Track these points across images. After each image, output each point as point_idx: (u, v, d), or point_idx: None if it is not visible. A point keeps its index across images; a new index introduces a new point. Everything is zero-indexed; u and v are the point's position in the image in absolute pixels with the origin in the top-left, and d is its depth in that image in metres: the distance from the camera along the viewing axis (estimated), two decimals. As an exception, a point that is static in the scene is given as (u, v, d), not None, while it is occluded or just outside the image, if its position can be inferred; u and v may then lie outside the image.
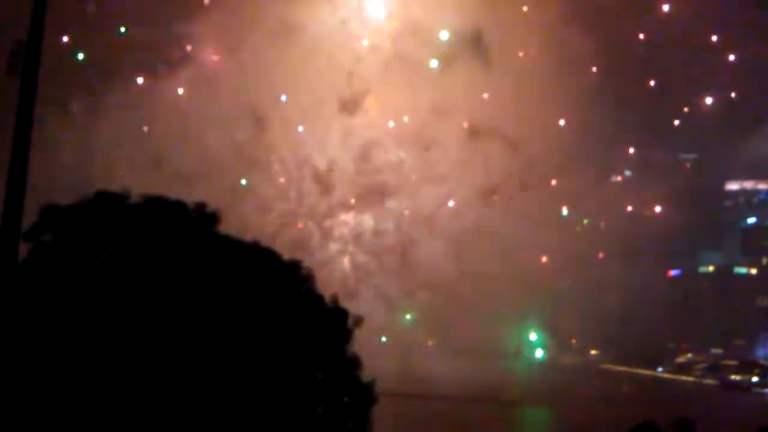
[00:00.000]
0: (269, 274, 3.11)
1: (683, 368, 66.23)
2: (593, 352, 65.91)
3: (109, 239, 3.32)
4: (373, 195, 55.49)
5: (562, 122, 57.46)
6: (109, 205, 3.45)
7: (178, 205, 3.37)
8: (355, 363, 3.22)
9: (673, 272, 67.40)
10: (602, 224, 60.35)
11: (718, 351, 66.52)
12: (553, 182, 58.13)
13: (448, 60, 55.09)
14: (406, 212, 56.03)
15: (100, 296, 3.22)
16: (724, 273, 68.92)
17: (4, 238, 12.95)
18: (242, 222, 44.76)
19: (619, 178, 63.09)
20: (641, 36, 59.54)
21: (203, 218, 3.43)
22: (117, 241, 3.38)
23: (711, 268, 69.16)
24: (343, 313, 3.29)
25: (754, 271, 69.11)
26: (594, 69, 57.73)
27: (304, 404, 2.90)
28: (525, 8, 55.76)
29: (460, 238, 55.24)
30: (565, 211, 59.15)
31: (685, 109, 62.27)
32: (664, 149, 63.61)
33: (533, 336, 58.20)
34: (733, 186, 66.55)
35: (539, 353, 58.38)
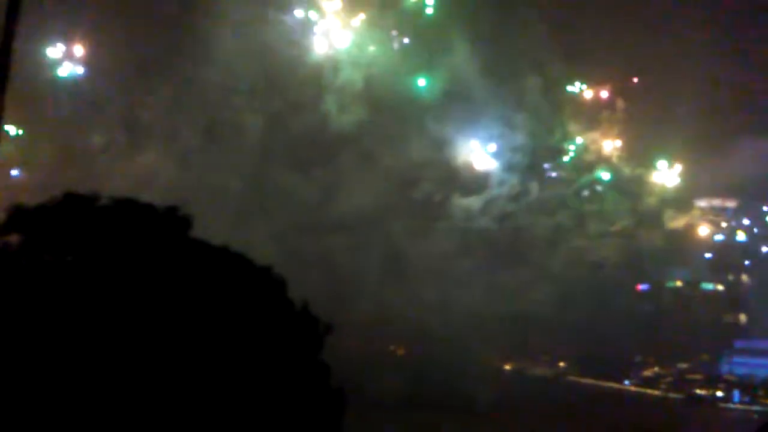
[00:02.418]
0: (239, 278, 3.09)
1: (649, 382, 66.92)
2: (561, 364, 66.36)
3: (76, 241, 3.27)
4: None
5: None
6: (78, 206, 3.39)
7: (148, 208, 3.33)
8: (325, 370, 3.20)
9: (641, 287, 68.17)
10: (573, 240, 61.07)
11: (684, 365, 67.34)
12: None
13: None
14: None
15: (65, 299, 3.17)
16: (691, 288, 69.86)
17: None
18: None
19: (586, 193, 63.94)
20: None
21: (174, 221, 3.39)
22: (84, 243, 3.34)
23: (678, 284, 70.07)
24: (313, 320, 3.27)
25: (720, 287, 70.14)
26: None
27: (272, 411, 2.87)
28: None
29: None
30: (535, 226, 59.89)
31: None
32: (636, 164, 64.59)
33: None
34: (701, 203, 67.62)
35: None
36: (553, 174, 61.83)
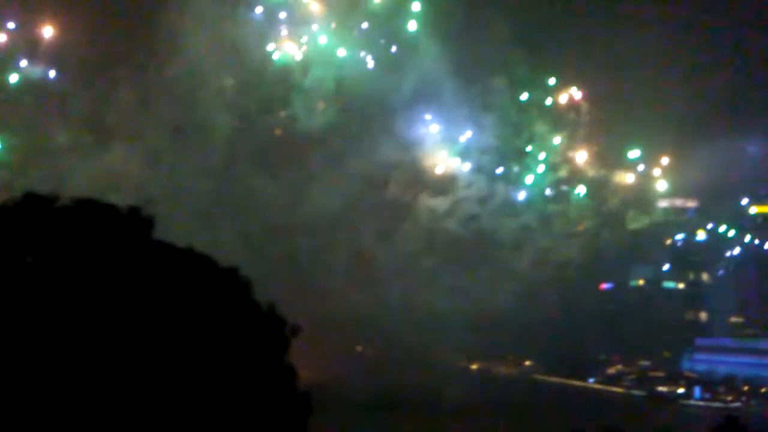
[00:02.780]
0: (203, 279, 3.04)
1: (613, 379, 67.87)
2: (527, 363, 66.97)
3: (36, 242, 3.19)
4: None
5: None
6: (37, 206, 3.31)
7: (110, 208, 3.26)
8: (291, 373, 3.16)
9: (605, 285, 69.07)
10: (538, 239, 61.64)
11: (647, 363, 68.42)
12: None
13: None
14: None
15: (26, 301, 3.08)
16: (653, 287, 71.00)
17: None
18: None
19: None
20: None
21: (136, 222, 3.33)
22: (44, 244, 3.25)
23: (641, 282, 71.16)
24: (280, 322, 3.23)
25: (681, 285, 71.39)
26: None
27: (237, 414, 2.82)
28: None
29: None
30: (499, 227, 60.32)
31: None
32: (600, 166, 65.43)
33: None
34: (663, 203, 68.79)
35: None
36: (520, 176, 62.34)
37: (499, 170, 60.12)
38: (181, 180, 52.48)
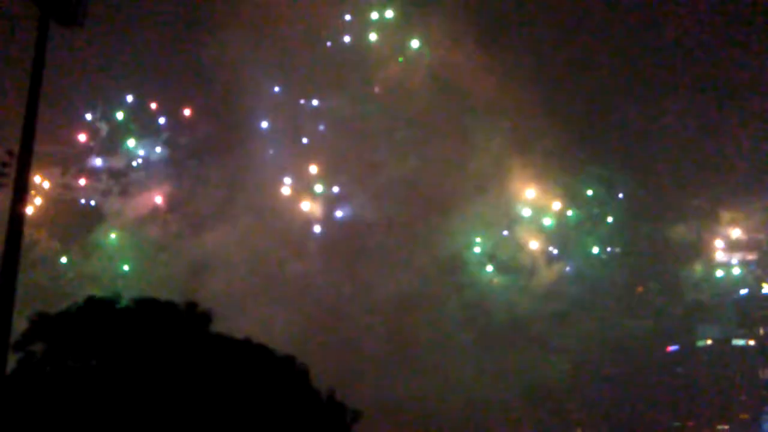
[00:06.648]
0: (264, 371, 3.09)
1: (691, 447, 64.48)
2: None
3: (99, 345, 3.31)
4: None
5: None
6: (99, 310, 3.45)
7: (169, 307, 3.38)
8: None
9: (671, 348, 66.63)
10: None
11: (725, 427, 64.99)
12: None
13: None
14: None
15: (91, 404, 3.16)
16: (722, 346, 68.20)
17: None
18: None
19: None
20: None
21: (195, 318, 3.43)
22: (107, 346, 3.37)
23: (709, 342, 68.45)
24: (340, 408, 3.25)
25: (751, 342, 68.42)
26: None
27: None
28: None
29: None
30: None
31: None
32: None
33: None
34: (723, 258, 66.75)
35: None
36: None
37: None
38: (266, 262, 52.02)
